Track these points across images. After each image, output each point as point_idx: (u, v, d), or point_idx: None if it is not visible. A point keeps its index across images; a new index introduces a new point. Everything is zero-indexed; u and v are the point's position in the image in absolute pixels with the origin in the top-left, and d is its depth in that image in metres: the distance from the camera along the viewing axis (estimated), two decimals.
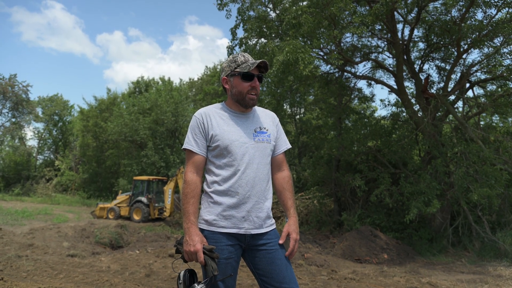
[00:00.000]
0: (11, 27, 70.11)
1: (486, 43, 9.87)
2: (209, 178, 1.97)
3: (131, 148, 23.00)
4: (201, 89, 28.14)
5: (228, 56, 12.74)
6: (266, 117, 2.11)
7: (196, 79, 32.65)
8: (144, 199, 15.16)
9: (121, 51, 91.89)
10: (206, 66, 38.69)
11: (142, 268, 5.74)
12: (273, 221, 2.03)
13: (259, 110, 2.13)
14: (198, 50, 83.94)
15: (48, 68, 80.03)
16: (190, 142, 1.96)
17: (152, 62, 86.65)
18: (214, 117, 1.98)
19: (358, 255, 8.78)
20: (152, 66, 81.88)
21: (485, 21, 9.63)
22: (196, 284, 1.73)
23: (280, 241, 1.94)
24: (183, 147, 1.99)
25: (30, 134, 44.59)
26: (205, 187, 1.98)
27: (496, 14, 9.57)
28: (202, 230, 1.88)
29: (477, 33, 9.48)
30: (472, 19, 9.92)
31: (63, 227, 9.99)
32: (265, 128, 2.03)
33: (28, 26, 76.94)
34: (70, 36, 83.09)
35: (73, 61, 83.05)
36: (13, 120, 29.86)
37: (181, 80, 33.44)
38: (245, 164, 1.91)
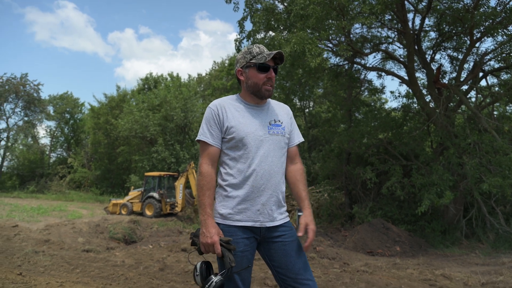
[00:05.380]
0: (24, 28, 71.22)
1: (499, 30, 9.62)
2: (223, 170, 1.96)
3: (142, 145, 23.20)
4: (210, 85, 28.16)
5: (236, 49, 12.77)
6: (280, 109, 2.09)
7: (204, 74, 32.71)
8: (155, 194, 15.30)
9: (132, 49, 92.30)
10: (214, 61, 38.71)
11: (156, 262, 5.80)
12: (287, 213, 2.02)
13: (273, 102, 2.11)
14: (209, 45, 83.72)
15: (60, 68, 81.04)
16: (205, 133, 1.94)
17: (163, 59, 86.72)
18: (229, 109, 1.96)
19: (370, 247, 8.74)
20: (163, 63, 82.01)
21: (498, 8, 9.39)
22: (213, 276, 1.73)
23: (300, 234, 1.92)
24: (197, 138, 1.97)
25: (43, 132, 45.35)
26: (219, 180, 1.96)
27: (511, 0, 9.32)
28: (217, 224, 1.88)
29: (491, 21, 9.24)
30: (485, 6, 9.68)
31: (78, 223, 10.17)
32: (279, 121, 2.01)
33: (41, 26, 77.99)
34: (82, 35, 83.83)
35: (85, 60, 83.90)
36: (26, 118, 30.36)
37: (189, 75, 33.50)
38: (260, 156, 1.90)
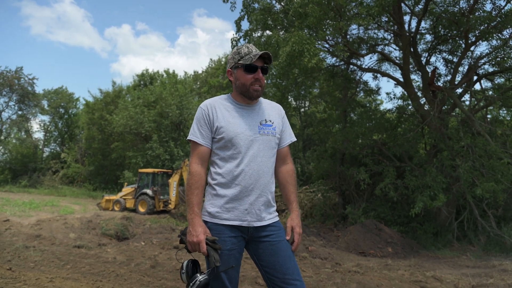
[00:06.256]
0: (20, 21, 70.46)
1: (494, 35, 9.72)
2: (213, 170, 1.96)
3: (136, 141, 23.07)
4: (206, 82, 28.09)
5: (232, 49, 12.73)
6: (272, 109, 2.09)
7: (200, 72, 32.61)
8: (149, 191, 15.25)
9: (129, 45, 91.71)
10: (211, 59, 38.57)
11: (148, 259, 5.78)
12: (276, 213, 2.03)
13: (265, 102, 2.11)
14: (206, 43, 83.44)
15: (56, 62, 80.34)
16: (195, 133, 1.95)
17: (159, 56, 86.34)
18: (220, 109, 1.96)
19: (363, 248, 8.78)
20: (160, 59, 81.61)
21: (494, 13, 9.48)
22: (198, 274, 1.74)
23: (287, 237, 1.96)
24: (188, 138, 1.98)
25: (36, 126, 45.04)
26: (209, 179, 1.97)
27: (506, 5, 9.41)
28: (205, 222, 1.88)
29: (486, 25, 9.33)
30: (481, 11, 9.76)
31: (70, 218, 10.10)
32: (270, 121, 2.01)
33: (38, 20, 77.26)
34: (79, 30, 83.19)
35: (82, 55, 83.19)
36: (20, 112, 30.06)
37: (185, 73, 33.36)
38: (249, 157, 1.90)
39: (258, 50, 1.97)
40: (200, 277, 1.72)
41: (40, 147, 33.91)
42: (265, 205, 1.93)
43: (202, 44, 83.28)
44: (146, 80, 28.21)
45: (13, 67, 41.40)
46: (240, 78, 1.96)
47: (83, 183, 27.71)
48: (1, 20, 63.08)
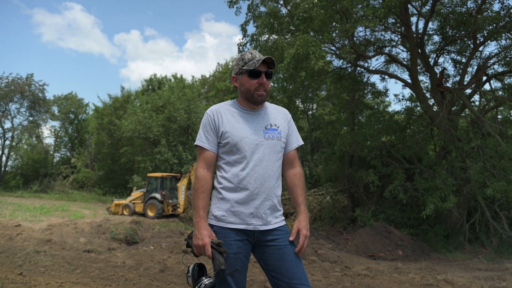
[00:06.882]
0: (32, 28, 72.00)
1: (503, 34, 9.59)
2: (219, 174, 1.99)
3: (145, 145, 23.27)
4: (213, 86, 28.23)
5: (238, 54, 12.77)
6: (278, 114, 2.10)
7: (208, 76, 32.80)
8: (158, 195, 15.33)
9: (138, 50, 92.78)
10: (218, 63, 38.79)
11: (157, 263, 5.81)
12: (283, 217, 2.03)
13: (271, 106, 2.13)
14: (214, 47, 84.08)
15: (66, 68, 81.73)
16: (202, 138, 1.99)
17: (168, 60, 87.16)
18: (225, 114, 1.99)
19: (372, 251, 8.70)
20: (168, 64, 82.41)
21: (502, 12, 9.37)
22: (204, 278, 1.76)
23: (291, 238, 1.95)
24: (195, 143, 2.03)
25: (47, 132, 45.79)
26: (215, 183, 2.00)
27: None
28: (211, 226, 1.90)
29: (494, 25, 9.23)
30: (489, 10, 9.66)
31: (80, 223, 10.20)
32: (275, 125, 2.03)
33: (49, 27, 78.85)
34: (89, 36, 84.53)
35: (91, 61, 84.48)
36: (31, 118, 30.60)
37: (193, 77, 33.59)
38: (255, 161, 1.92)
39: (261, 55, 1.99)
40: (205, 280, 1.74)
41: (51, 152, 34.43)
42: (271, 209, 1.94)
43: (209, 49, 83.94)
44: (154, 85, 28.51)
45: (24, 74, 42.29)
46: (244, 84, 1.99)
47: (93, 188, 28.01)
48: (13, 28, 64.62)
